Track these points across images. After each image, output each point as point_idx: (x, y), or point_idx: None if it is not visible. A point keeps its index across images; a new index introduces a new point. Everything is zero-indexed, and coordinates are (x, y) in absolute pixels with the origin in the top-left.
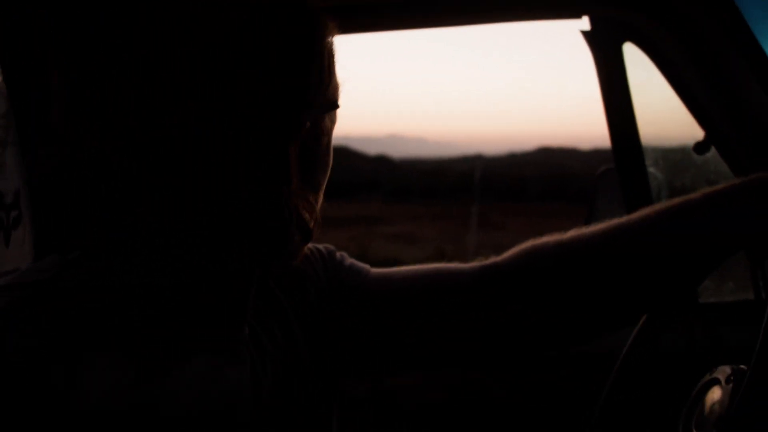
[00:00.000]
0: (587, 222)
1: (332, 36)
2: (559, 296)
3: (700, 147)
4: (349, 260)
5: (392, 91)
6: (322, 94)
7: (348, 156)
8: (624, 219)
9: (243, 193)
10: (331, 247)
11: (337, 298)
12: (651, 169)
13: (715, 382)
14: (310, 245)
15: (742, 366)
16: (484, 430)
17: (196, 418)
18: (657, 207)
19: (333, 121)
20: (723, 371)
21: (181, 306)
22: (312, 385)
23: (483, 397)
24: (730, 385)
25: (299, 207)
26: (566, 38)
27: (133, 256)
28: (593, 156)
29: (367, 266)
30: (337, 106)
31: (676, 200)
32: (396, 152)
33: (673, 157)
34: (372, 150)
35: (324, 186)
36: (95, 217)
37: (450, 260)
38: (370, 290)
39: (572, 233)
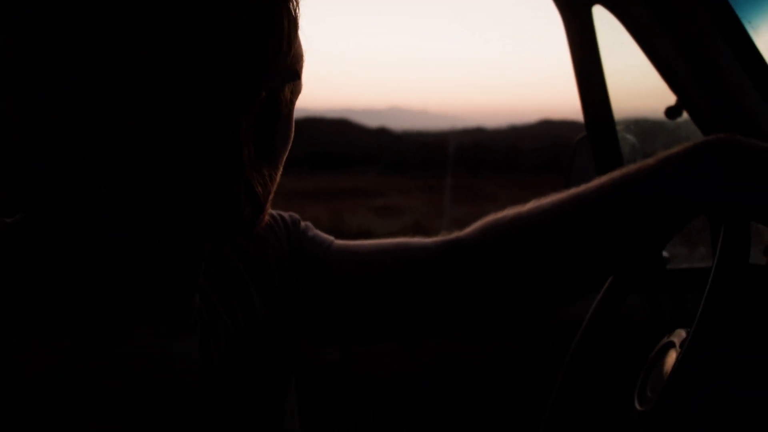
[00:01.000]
0: (565, 188)
1: (295, 1)
2: (515, 269)
3: (671, 111)
4: (313, 231)
5: (395, 63)
6: (281, 63)
7: (348, 128)
8: (582, 187)
9: (197, 166)
10: (296, 216)
11: (298, 268)
12: (627, 135)
13: (671, 345)
14: (274, 213)
15: None
16: (458, 396)
17: (142, 388)
18: (614, 174)
19: (295, 93)
20: (678, 334)
21: (125, 277)
22: (270, 357)
23: (454, 363)
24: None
25: (252, 180)
26: None
27: (133, 256)
28: None
29: (330, 238)
30: (297, 77)
31: (633, 166)
32: (397, 124)
33: (645, 124)
34: (373, 122)
35: (283, 159)
36: (95, 217)
37: (426, 233)
38: (332, 262)
39: (531, 204)
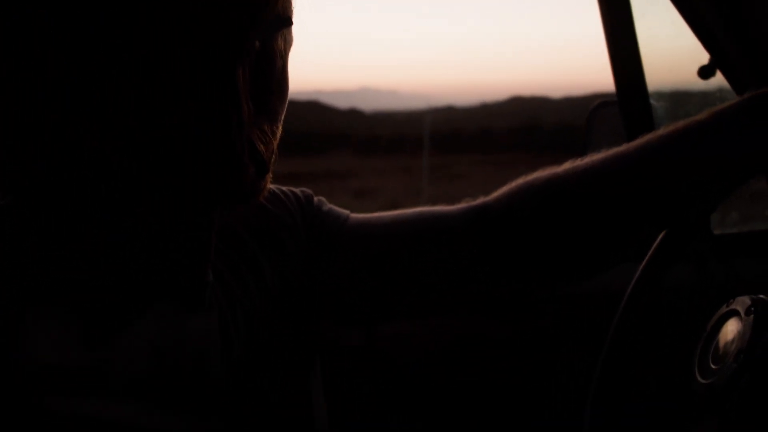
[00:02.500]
0: (582, 155)
1: None
2: (550, 235)
3: (704, 71)
4: (328, 205)
5: (363, 42)
6: (271, 10)
7: (319, 110)
8: (623, 147)
9: (199, 124)
10: (308, 191)
11: (316, 245)
12: (655, 102)
13: (733, 313)
14: (285, 189)
15: (763, 296)
16: (486, 377)
17: (162, 371)
18: (659, 132)
19: (288, 42)
20: (742, 302)
21: (136, 254)
22: (290, 336)
23: (484, 342)
24: (751, 316)
25: (253, 137)
26: None
27: (142, 232)
28: (563, 104)
29: (346, 211)
30: (290, 23)
31: (679, 123)
32: (368, 105)
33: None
34: (343, 103)
35: (282, 115)
36: (95, 218)
37: None
38: (351, 237)
39: (567, 165)
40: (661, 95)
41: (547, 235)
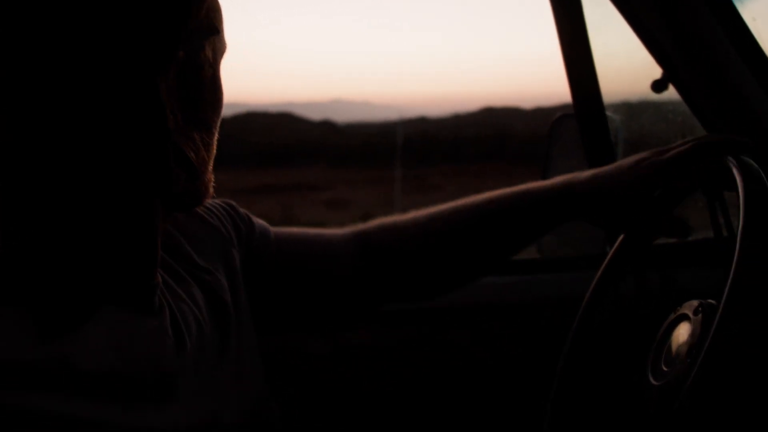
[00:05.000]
0: (544, 169)
1: None
2: (415, 266)
3: (657, 85)
4: (255, 220)
5: (335, 53)
6: (195, 19)
7: (292, 122)
8: (485, 200)
9: (123, 134)
10: (231, 202)
11: (249, 259)
12: (611, 115)
13: (683, 318)
14: (211, 201)
15: (711, 300)
16: (451, 386)
17: (120, 368)
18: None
19: (218, 51)
20: (690, 305)
21: (84, 258)
22: (240, 340)
23: (448, 352)
24: (699, 316)
25: (182, 145)
26: None
27: (80, 258)
28: (535, 114)
29: (266, 225)
30: (215, 31)
31: (533, 186)
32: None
33: (630, 106)
34: (316, 115)
35: (217, 123)
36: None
37: None
38: (272, 254)
39: (429, 211)
40: (618, 107)
41: (411, 266)
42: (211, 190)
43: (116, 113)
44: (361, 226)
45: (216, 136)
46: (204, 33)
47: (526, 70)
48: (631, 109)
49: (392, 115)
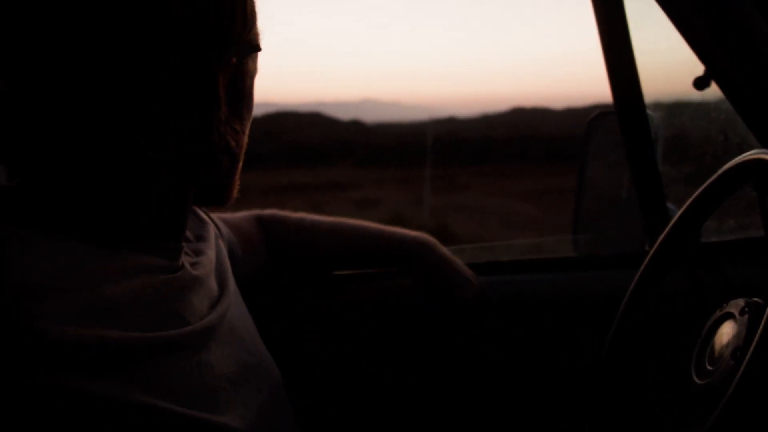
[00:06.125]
0: (581, 165)
1: None
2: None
3: (699, 82)
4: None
5: (365, 54)
6: (246, 35)
7: (321, 122)
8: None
9: (177, 120)
10: (214, 215)
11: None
12: (651, 113)
13: (728, 316)
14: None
15: (757, 299)
16: (483, 383)
17: (152, 338)
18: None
19: (255, 68)
20: (736, 304)
21: (119, 226)
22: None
23: (477, 357)
24: (746, 316)
25: (227, 135)
26: None
27: (76, 187)
28: (564, 115)
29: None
30: (259, 49)
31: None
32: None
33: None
34: (345, 115)
35: (249, 122)
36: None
37: (406, 224)
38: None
39: (314, 217)
40: (658, 106)
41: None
42: (236, 194)
43: (186, 100)
44: (256, 212)
45: (247, 135)
46: (251, 48)
47: (556, 70)
48: (674, 107)
49: (422, 115)
